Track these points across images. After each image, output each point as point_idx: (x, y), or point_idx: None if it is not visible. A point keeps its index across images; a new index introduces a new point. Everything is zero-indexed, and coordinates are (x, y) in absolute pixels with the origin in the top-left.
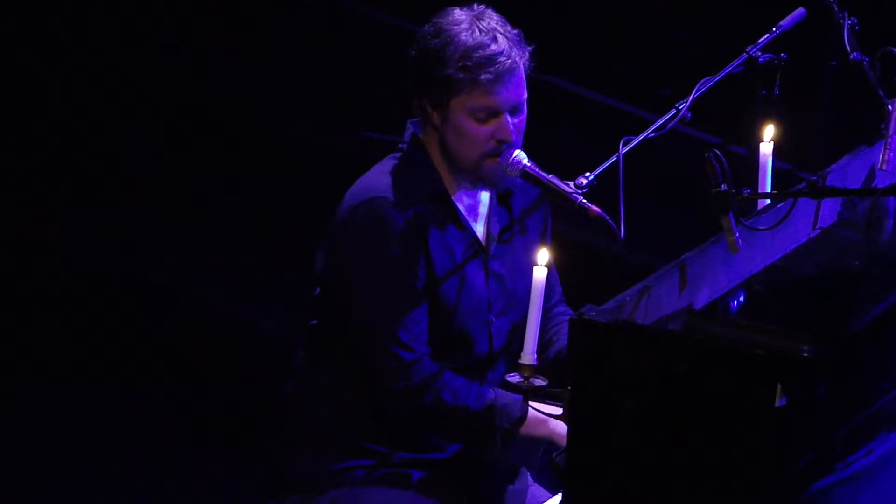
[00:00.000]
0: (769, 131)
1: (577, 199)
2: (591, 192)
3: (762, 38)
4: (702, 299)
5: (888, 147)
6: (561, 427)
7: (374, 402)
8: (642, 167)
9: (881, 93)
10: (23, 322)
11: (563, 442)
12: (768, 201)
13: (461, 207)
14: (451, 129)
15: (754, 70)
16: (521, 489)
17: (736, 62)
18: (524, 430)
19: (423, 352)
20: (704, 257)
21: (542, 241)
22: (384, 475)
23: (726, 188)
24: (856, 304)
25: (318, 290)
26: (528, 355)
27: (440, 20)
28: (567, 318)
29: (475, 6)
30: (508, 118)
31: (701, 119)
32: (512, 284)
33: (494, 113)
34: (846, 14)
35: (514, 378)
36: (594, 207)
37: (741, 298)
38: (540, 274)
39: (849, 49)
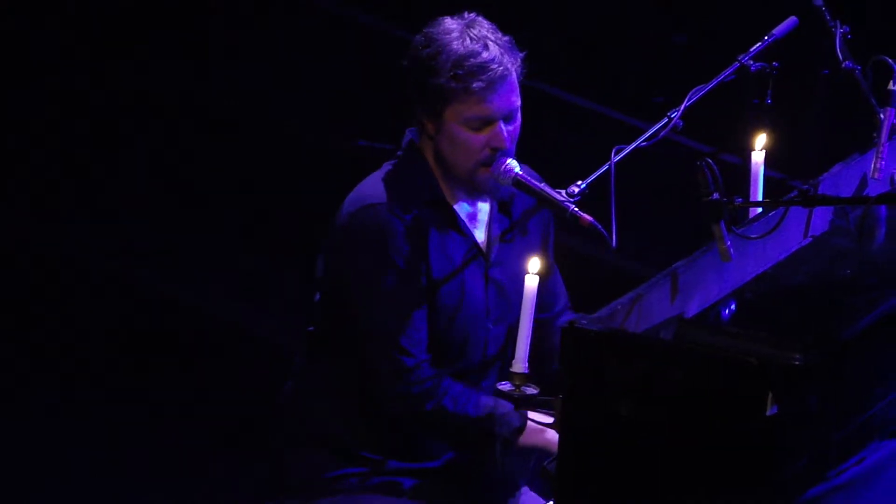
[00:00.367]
0: (761, 140)
1: (569, 207)
2: (583, 200)
3: (754, 47)
4: (693, 307)
5: (880, 155)
6: (555, 436)
7: (371, 407)
8: (634, 176)
9: (873, 101)
10: (23, 323)
11: (556, 450)
12: (760, 210)
13: (461, 213)
14: (445, 138)
15: (746, 78)
16: (514, 497)
17: (728, 71)
18: (522, 439)
19: (423, 357)
20: (696, 266)
21: (544, 247)
22: (378, 483)
23: (718, 197)
24: (847, 313)
25: (318, 295)
26: (520, 363)
27: (431, 30)
28: None
29: (466, 14)
30: (502, 126)
31: (693, 128)
32: (511, 292)
33: (488, 121)
34: (838, 23)
35: (505, 386)
36: (586, 216)
37: (733, 307)
38: (531, 282)
39: (841, 58)
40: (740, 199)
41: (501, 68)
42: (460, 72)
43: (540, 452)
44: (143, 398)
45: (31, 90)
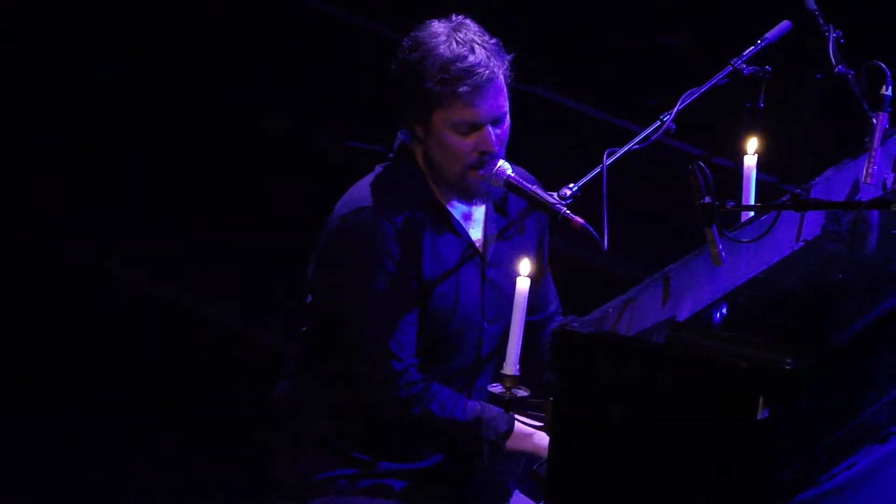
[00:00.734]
0: (753, 144)
1: (561, 209)
2: (575, 203)
3: (747, 51)
4: (685, 311)
5: (872, 160)
6: (545, 440)
7: (362, 410)
8: (626, 178)
9: (866, 106)
10: (22, 327)
11: (546, 454)
12: (752, 214)
13: (455, 214)
14: (434, 142)
15: (739, 82)
16: (504, 499)
17: (721, 74)
18: (510, 443)
19: (411, 362)
20: (688, 269)
21: (540, 247)
22: (368, 486)
23: (710, 200)
24: (839, 317)
25: (310, 297)
26: (511, 366)
27: (418, 34)
28: None
29: (454, 17)
30: (490, 129)
31: (685, 131)
32: (508, 293)
33: (476, 125)
34: (831, 27)
35: (496, 388)
36: (577, 218)
37: (724, 311)
38: (522, 285)
39: (834, 62)
40: (732, 203)
41: (488, 72)
42: (446, 76)
43: (530, 456)
44: (137, 399)
45: (32, 93)
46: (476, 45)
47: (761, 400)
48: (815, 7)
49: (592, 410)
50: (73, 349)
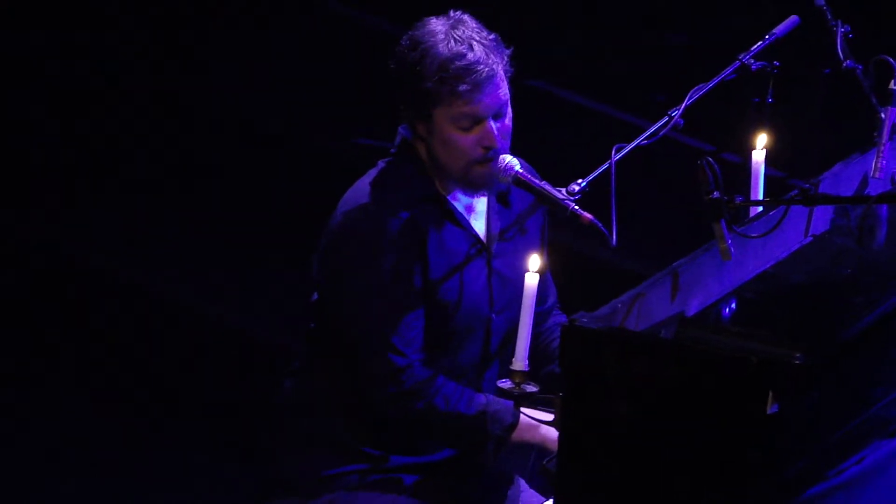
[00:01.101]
0: (762, 139)
1: (569, 205)
2: (583, 198)
3: (755, 46)
4: (694, 306)
5: (881, 155)
6: (552, 433)
7: (368, 406)
8: (635, 174)
9: (874, 101)
10: (22, 324)
11: (555, 447)
12: (760, 209)
13: (459, 207)
14: (437, 139)
15: (747, 77)
16: (514, 494)
17: (729, 69)
18: (515, 435)
19: (415, 357)
20: (697, 264)
21: (542, 238)
22: (378, 480)
23: (718, 195)
24: (848, 312)
25: (315, 294)
26: (520, 361)
27: (416, 32)
28: None
29: (452, 13)
30: (492, 124)
31: (694, 126)
32: (514, 283)
33: (477, 121)
34: (839, 22)
35: (505, 384)
36: (586, 214)
37: (733, 306)
38: (531, 280)
39: (842, 57)
40: (741, 198)
41: (487, 69)
42: (445, 75)
43: (539, 450)
44: (142, 397)
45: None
46: (474, 42)
47: (770, 395)
48: (822, 2)
49: (601, 406)
50: (76, 348)
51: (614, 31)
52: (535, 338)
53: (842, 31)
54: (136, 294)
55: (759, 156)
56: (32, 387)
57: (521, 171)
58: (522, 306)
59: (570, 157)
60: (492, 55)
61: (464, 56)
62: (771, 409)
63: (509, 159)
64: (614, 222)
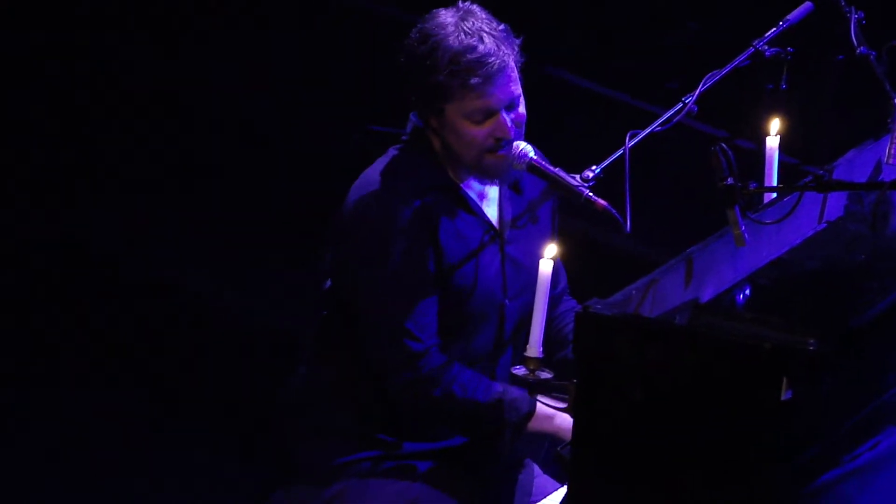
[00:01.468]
0: (775, 125)
1: (584, 192)
2: (597, 185)
3: (769, 32)
4: (708, 293)
5: (894, 141)
6: (567, 422)
7: (383, 394)
8: (649, 161)
9: (888, 87)
10: (23, 324)
11: (569, 436)
12: (774, 195)
13: (471, 194)
14: (450, 132)
15: (761, 64)
16: (528, 480)
17: (743, 56)
18: (531, 424)
19: (431, 343)
20: (710, 251)
21: (553, 224)
22: (391, 467)
23: (732, 182)
24: (862, 298)
25: (328, 282)
26: (534, 347)
27: (425, 25)
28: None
29: (461, 4)
30: (505, 115)
31: (707, 113)
32: (527, 268)
33: (490, 113)
34: (853, 8)
35: (519, 371)
36: (600, 201)
37: (747, 292)
38: (546, 267)
39: (855, 43)
40: (755, 184)
41: (498, 61)
42: (457, 68)
43: (553, 438)
44: (154, 385)
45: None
46: (485, 34)
47: (784, 381)
48: None
49: (615, 392)
50: (91, 337)
51: (629, 19)
52: (548, 324)
53: (855, 18)
54: (135, 293)
55: (773, 142)
56: (32, 387)
57: (535, 157)
58: (537, 293)
59: (585, 143)
60: (502, 46)
61: (475, 49)
62: (785, 395)
63: (523, 146)
64: (628, 209)
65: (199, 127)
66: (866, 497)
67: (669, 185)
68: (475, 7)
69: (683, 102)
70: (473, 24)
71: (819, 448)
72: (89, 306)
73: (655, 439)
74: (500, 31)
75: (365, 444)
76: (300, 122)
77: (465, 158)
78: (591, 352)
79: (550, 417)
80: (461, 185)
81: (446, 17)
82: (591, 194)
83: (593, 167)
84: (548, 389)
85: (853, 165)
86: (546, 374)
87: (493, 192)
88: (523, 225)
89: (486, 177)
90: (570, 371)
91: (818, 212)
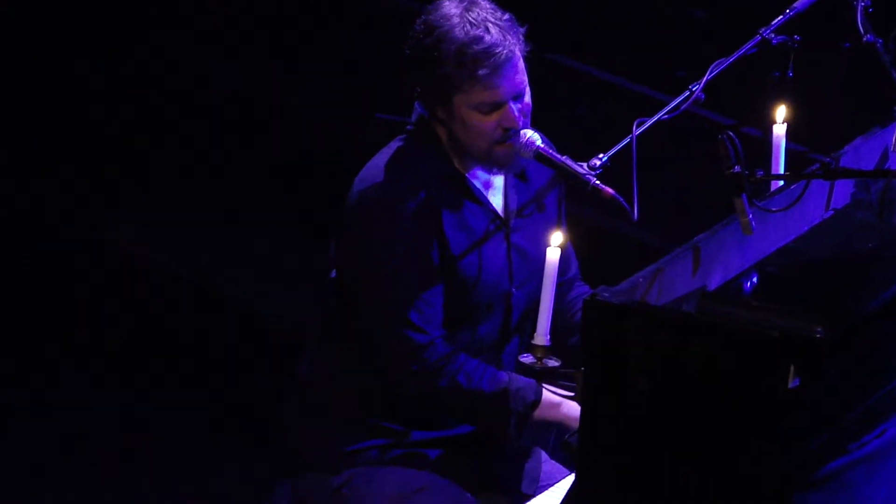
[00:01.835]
0: (782, 113)
1: (591, 180)
2: (605, 173)
3: (776, 20)
4: (715, 281)
5: None
6: (574, 411)
7: (387, 383)
8: (656, 148)
9: (894, 75)
10: (23, 323)
11: (576, 425)
12: (781, 183)
13: (477, 183)
14: (457, 123)
15: (768, 52)
16: (535, 467)
17: (750, 44)
18: (538, 413)
19: (436, 334)
20: (717, 239)
21: (559, 212)
22: (399, 455)
23: (739, 170)
24: (869, 286)
25: (334, 272)
26: (542, 335)
27: (430, 17)
28: None
29: None
30: (512, 105)
31: (714, 101)
32: (534, 256)
33: (498, 104)
34: None
35: (527, 359)
36: (607, 189)
37: (754, 280)
38: (553, 255)
39: (862, 31)
40: (762, 172)
41: (506, 51)
42: (463, 59)
43: (560, 426)
44: (163, 374)
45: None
46: (490, 24)
47: (792, 369)
48: None
49: (623, 380)
50: (98, 328)
51: (635, 6)
52: (559, 310)
53: (862, 5)
54: (136, 293)
55: (780, 130)
56: (32, 387)
57: (542, 146)
58: (544, 281)
59: (592, 131)
60: (508, 36)
61: (481, 39)
62: (792, 383)
63: (530, 134)
64: (636, 197)
65: (202, 120)
66: (873, 485)
67: (677, 174)
68: None
69: (691, 90)
70: (478, 14)
71: (826, 436)
72: (87, 308)
73: (662, 426)
74: (505, 20)
75: (373, 432)
76: (307, 113)
77: (474, 149)
78: (598, 340)
79: (557, 405)
80: (466, 174)
81: (451, 7)
82: (598, 182)
83: (600, 155)
84: (555, 377)
85: (860, 153)
86: (553, 362)
87: (498, 181)
88: (529, 213)
89: (495, 167)
90: (581, 357)
91: (825, 199)
